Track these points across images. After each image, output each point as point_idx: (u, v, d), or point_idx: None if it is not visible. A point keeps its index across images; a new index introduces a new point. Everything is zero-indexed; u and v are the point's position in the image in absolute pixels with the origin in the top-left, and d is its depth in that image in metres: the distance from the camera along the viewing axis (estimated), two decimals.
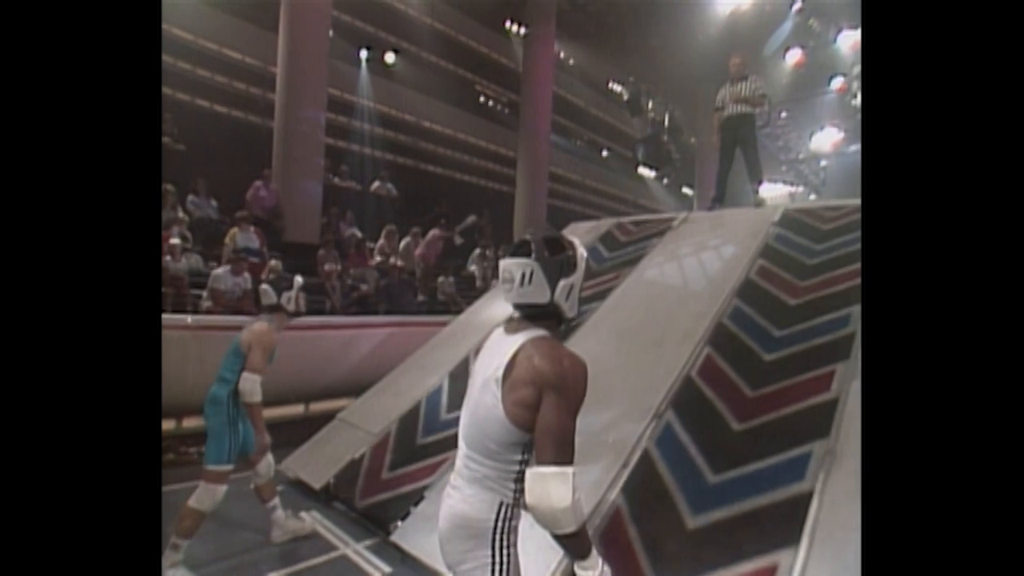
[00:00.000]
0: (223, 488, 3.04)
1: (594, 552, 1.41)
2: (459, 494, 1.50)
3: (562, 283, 1.49)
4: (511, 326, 1.57)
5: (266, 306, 3.35)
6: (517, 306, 1.54)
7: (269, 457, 3.38)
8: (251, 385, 3.05)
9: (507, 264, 1.52)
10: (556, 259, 1.49)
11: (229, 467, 3.07)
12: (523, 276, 1.48)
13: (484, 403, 1.48)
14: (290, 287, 3.36)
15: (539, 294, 1.48)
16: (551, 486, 1.32)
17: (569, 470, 1.35)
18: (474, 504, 1.45)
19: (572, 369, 1.41)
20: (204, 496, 2.98)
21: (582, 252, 1.56)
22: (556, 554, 2.63)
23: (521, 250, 1.51)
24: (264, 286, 3.40)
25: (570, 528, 1.34)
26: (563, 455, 1.36)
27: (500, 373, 1.45)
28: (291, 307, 3.37)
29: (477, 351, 1.68)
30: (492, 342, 1.60)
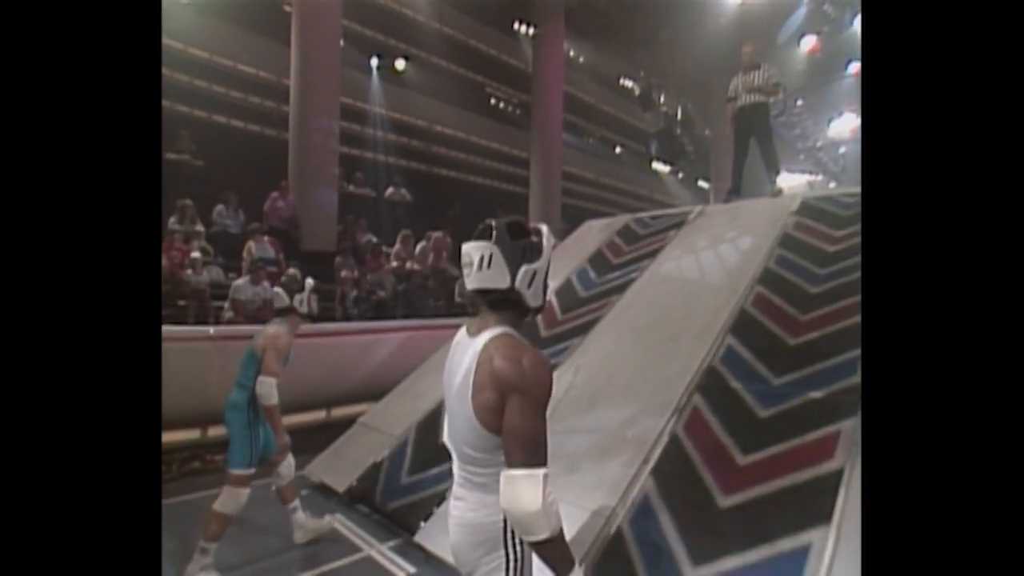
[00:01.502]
0: (246, 491, 3.10)
1: (578, 570, 1.36)
2: (464, 503, 1.48)
3: (524, 268, 1.42)
4: (472, 327, 1.51)
5: (278, 309, 3.33)
6: (478, 292, 1.46)
7: (290, 459, 3.43)
8: (267, 388, 3.06)
9: (467, 248, 1.45)
10: (518, 243, 1.42)
11: (251, 471, 3.13)
12: (482, 259, 1.42)
13: (459, 413, 1.45)
14: (302, 289, 3.32)
15: (499, 279, 1.41)
16: (521, 489, 1.29)
17: (540, 472, 1.30)
18: (480, 510, 1.43)
19: (532, 368, 1.35)
20: (228, 500, 3.05)
21: (549, 241, 1.49)
22: (579, 548, 2.63)
23: (482, 234, 1.44)
24: (276, 289, 3.35)
25: (543, 534, 1.29)
26: (533, 457, 1.31)
27: (470, 380, 1.41)
28: (303, 309, 3.32)
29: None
30: (456, 347, 1.54)
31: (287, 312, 3.31)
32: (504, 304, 1.46)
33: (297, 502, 3.48)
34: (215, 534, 3.01)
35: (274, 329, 3.24)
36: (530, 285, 1.44)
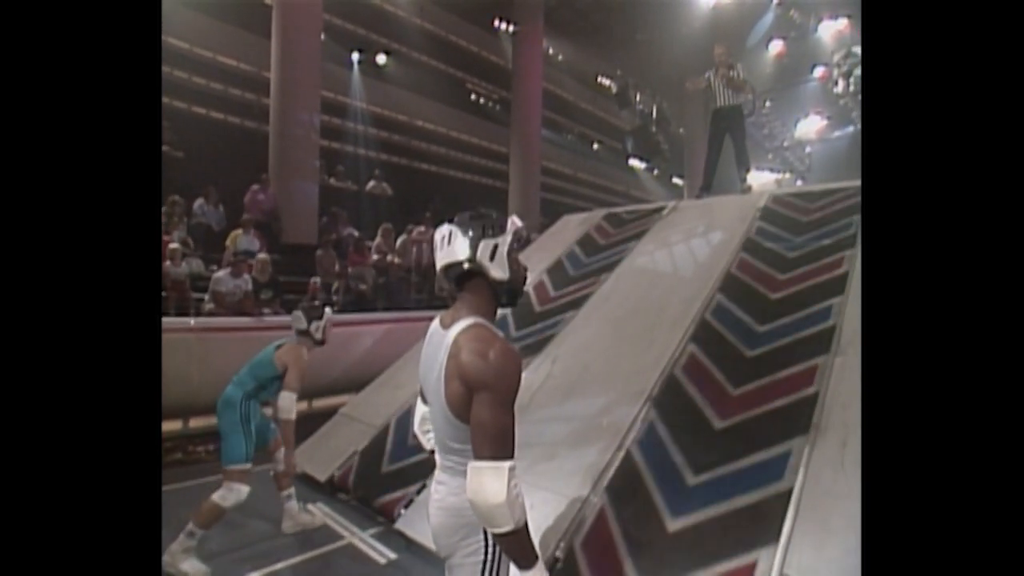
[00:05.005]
0: (246, 489, 3.11)
1: (540, 566, 1.38)
2: (446, 488, 1.50)
3: (484, 242, 1.46)
4: (446, 318, 1.54)
5: (296, 330, 3.47)
6: (445, 271, 1.51)
7: None
8: (289, 403, 3.21)
9: (434, 233, 1.54)
10: (476, 221, 1.49)
11: (248, 465, 3.16)
12: (443, 238, 1.49)
13: (435, 404, 1.48)
14: (320, 317, 3.47)
15: (459, 252, 1.47)
16: (486, 481, 1.31)
17: (505, 465, 1.32)
18: (461, 495, 1.42)
19: (498, 362, 1.37)
20: (228, 495, 3.07)
21: (515, 221, 1.55)
22: (555, 534, 2.75)
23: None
24: (297, 312, 3.51)
25: (507, 526, 1.32)
26: (499, 450, 1.33)
27: (442, 373, 1.44)
28: (318, 336, 3.47)
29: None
30: (430, 338, 1.57)
31: (303, 334, 3.45)
32: (471, 281, 1.51)
33: (292, 490, 3.54)
34: (206, 523, 3.03)
35: (298, 348, 3.37)
36: (492, 257, 1.47)
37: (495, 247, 1.48)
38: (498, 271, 1.49)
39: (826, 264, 3.80)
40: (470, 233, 1.47)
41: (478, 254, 1.46)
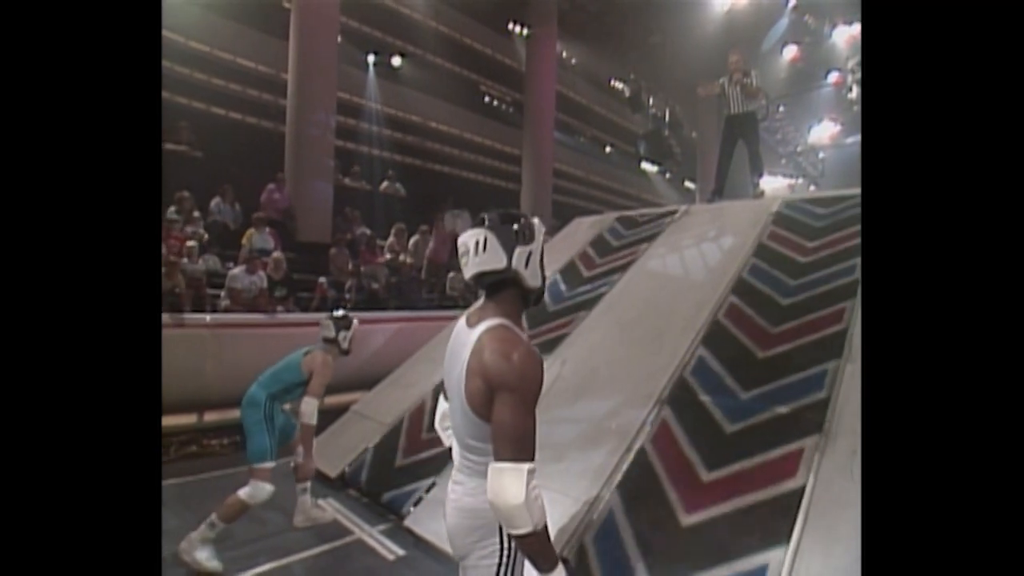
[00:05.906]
0: (271, 487, 3.17)
1: (560, 569, 1.38)
2: (463, 488, 1.50)
3: (519, 249, 1.45)
4: (472, 317, 1.54)
5: (323, 338, 3.56)
6: (477, 278, 1.48)
7: None
8: (311, 408, 3.33)
9: (462, 238, 1.48)
10: (510, 227, 1.46)
11: (272, 464, 3.22)
12: (477, 244, 1.44)
13: (457, 402, 1.49)
14: (348, 328, 3.56)
15: (495, 260, 1.44)
16: (505, 482, 1.31)
17: (524, 467, 1.32)
18: (478, 496, 1.43)
19: (522, 364, 1.37)
20: (255, 492, 3.13)
21: (540, 227, 1.53)
22: (564, 535, 2.77)
23: (475, 224, 1.49)
24: (325, 319, 3.60)
25: (526, 527, 1.31)
26: (520, 452, 1.33)
27: (464, 371, 1.44)
28: (344, 345, 3.57)
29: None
30: (456, 336, 1.56)
31: (330, 342, 3.54)
32: (504, 288, 1.49)
33: (308, 484, 3.60)
34: (230, 517, 3.10)
35: (325, 356, 3.45)
36: (527, 265, 1.46)
37: (529, 254, 1.47)
38: (532, 279, 1.49)
39: (838, 270, 3.80)
40: (505, 240, 1.45)
41: (514, 262, 1.45)
